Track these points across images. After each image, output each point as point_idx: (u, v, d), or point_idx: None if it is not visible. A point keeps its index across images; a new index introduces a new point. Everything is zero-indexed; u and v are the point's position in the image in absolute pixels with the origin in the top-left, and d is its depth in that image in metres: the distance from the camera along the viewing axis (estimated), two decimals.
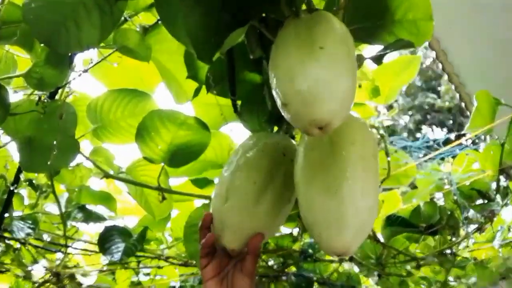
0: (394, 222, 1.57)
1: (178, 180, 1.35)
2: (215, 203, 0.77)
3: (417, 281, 2.06)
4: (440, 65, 1.80)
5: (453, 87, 1.91)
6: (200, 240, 0.78)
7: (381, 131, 1.23)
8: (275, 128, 0.99)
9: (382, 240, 1.64)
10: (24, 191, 1.57)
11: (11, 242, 1.59)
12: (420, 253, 1.69)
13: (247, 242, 0.75)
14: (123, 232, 1.42)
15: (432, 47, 1.76)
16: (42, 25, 0.71)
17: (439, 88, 11.11)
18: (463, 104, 2.05)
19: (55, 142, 0.95)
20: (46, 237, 1.70)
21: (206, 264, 0.77)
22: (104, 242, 1.36)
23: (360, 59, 0.82)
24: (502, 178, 1.70)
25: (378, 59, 0.79)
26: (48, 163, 0.98)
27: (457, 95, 1.99)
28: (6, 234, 1.52)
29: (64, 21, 0.73)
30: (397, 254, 1.62)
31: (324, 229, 0.65)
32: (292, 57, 0.62)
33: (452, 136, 1.51)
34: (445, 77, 1.85)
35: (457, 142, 1.38)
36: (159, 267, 1.59)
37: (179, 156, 1.15)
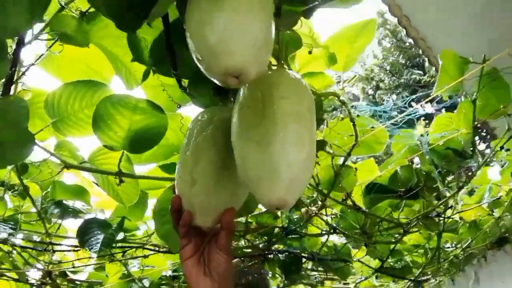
0: (372, 189, 1.57)
1: (147, 167, 1.37)
2: (182, 187, 0.77)
3: (410, 249, 2.06)
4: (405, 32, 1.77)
5: (420, 52, 1.88)
6: (173, 222, 0.79)
7: (342, 98, 1.23)
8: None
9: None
10: (7, 196, 1.60)
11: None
12: (405, 218, 1.69)
13: (219, 219, 0.76)
14: (103, 225, 1.44)
15: (393, 13, 1.73)
16: None
17: (424, 64, 11.02)
18: (433, 68, 2.01)
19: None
20: (35, 238, 1.73)
21: (186, 243, 0.79)
22: (84, 234, 1.38)
23: (293, 17, 0.82)
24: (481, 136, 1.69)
25: (308, 12, 0.79)
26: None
27: (427, 60, 1.96)
28: None
29: None
30: (380, 221, 1.62)
31: (258, 184, 0.66)
32: (201, 10, 0.62)
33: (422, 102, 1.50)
34: (411, 41, 1.83)
35: (423, 102, 1.37)
36: (145, 256, 1.61)
37: (139, 141, 1.15)
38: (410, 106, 1.38)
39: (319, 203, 1.57)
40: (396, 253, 1.97)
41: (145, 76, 1.08)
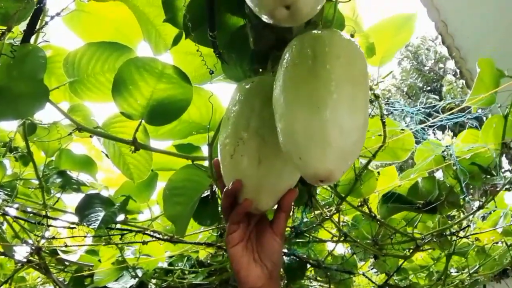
0: (390, 199, 1.50)
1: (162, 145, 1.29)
2: (246, 167, 0.69)
3: (416, 269, 1.98)
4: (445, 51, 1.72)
5: (453, 63, 1.82)
6: (224, 207, 0.73)
7: (376, 92, 1.16)
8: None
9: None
10: (7, 161, 1.51)
11: None
12: (419, 233, 1.61)
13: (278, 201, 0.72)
14: (105, 202, 1.35)
15: (431, 17, 1.67)
16: None
17: (442, 90, 11.09)
18: (463, 82, 1.96)
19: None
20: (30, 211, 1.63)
21: (235, 229, 0.73)
22: (84, 209, 1.29)
23: None
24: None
25: None
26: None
27: (458, 72, 1.90)
28: None
29: None
30: (394, 233, 1.54)
31: (304, 150, 0.59)
32: None
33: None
34: (445, 50, 1.77)
35: (458, 108, 1.31)
36: (144, 243, 1.52)
37: (160, 112, 1.08)
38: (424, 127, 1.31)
39: (334, 206, 1.49)
40: (402, 270, 1.89)
41: (176, 40, 1.02)
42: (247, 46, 0.88)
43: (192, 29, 0.90)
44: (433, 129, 1.46)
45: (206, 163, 1.20)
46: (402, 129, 1.27)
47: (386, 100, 1.16)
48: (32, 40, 1.03)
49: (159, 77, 1.03)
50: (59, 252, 1.60)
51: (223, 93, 1.18)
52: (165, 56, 1.06)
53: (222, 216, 1.40)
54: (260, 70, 0.91)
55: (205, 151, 1.29)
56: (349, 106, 0.59)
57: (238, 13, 0.91)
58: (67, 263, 1.69)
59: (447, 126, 1.43)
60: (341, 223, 1.64)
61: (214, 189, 1.15)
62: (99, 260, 1.75)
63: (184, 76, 1.03)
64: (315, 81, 0.60)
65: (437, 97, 11.01)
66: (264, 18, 0.57)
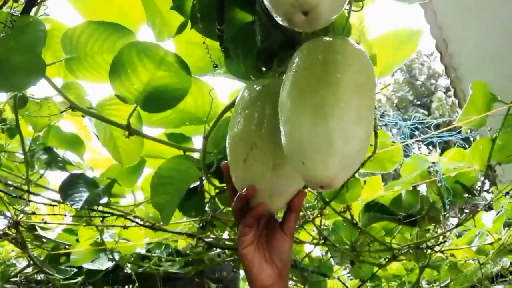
0: (373, 208, 1.51)
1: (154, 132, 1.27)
2: (261, 171, 0.69)
3: (389, 277, 2.02)
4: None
5: (446, 80, 1.84)
6: (236, 209, 0.73)
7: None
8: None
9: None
10: None
11: None
12: (396, 244, 1.63)
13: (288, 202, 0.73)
14: (90, 183, 1.34)
15: (433, 34, 1.69)
16: None
17: (431, 105, 11.28)
18: (454, 100, 1.98)
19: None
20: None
21: (247, 232, 0.74)
22: (67, 188, 1.28)
23: None
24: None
25: None
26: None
27: (452, 91, 1.92)
28: None
29: None
30: (373, 242, 1.56)
31: (308, 156, 0.59)
32: None
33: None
34: (443, 68, 1.79)
35: (448, 127, 1.33)
36: (124, 227, 1.51)
37: (155, 99, 1.07)
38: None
39: (317, 210, 1.50)
40: (376, 278, 1.92)
41: (181, 29, 1.00)
42: (253, 43, 0.88)
43: (200, 20, 0.89)
44: (418, 143, 1.48)
45: (196, 155, 1.20)
46: (393, 142, 1.28)
47: (381, 112, 1.17)
48: (32, 12, 1.01)
49: (159, 64, 1.02)
50: (37, 228, 1.58)
51: (220, 86, 1.18)
52: (167, 44, 1.05)
53: (206, 208, 1.40)
54: (264, 69, 0.90)
55: (196, 142, 1.28)
56: (355, 116, 0.59)
57: (247, 8, 0.91)
58: (44, 240, 1.67)
59: (433, 142, 1.45)
60: (322, 227, 1.66)
61: (202, 181, 1.14)
62: (77, 240, 1.73)
63: (184, 66, 1.02)
64: (323, 88, 0.60)
65: (426, 112, 11.20)
66: (280, 21, 0.57)
